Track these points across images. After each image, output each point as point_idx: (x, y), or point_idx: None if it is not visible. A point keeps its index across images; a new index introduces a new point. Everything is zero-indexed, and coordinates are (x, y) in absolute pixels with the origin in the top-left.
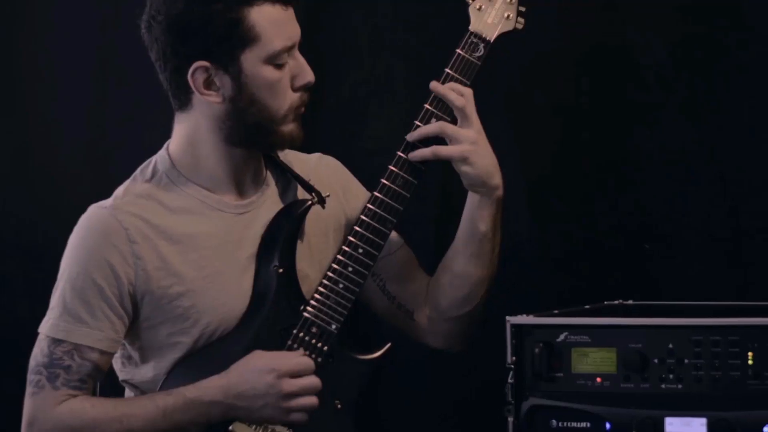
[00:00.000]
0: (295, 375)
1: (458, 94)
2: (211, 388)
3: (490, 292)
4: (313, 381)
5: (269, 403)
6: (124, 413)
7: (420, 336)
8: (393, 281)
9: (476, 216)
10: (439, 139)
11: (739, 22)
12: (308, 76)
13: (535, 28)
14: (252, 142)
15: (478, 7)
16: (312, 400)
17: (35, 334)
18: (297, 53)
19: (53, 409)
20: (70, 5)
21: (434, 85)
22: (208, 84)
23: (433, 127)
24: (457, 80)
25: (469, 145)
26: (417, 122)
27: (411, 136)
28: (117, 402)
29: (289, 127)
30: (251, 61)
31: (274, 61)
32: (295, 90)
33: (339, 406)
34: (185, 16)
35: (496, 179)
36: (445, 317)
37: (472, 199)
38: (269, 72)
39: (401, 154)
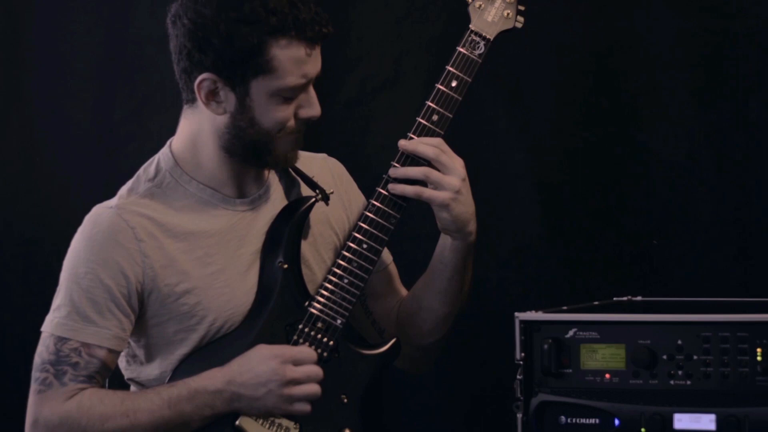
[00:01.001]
0: (298, 363)
1: (428, 145)
2: (215, 377)
3: (455, 324)
4: (315, 369)
5: (272, 389)
6: (130, 407)
7: None
8: (373, 297)
9: (446, 257)
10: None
11: (749, 17)
12: (314, 110)
13: (544, 25)
14: (247, 158)
15: (478, 5)
16: (315, 388)
17: (33, 333)
18: (310, 87)
19: (61, 405)
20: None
21: (402, 143)
22: (213, 94)
23: (418, 171)
24: (458, 77)
25: (452, 194)
26: (411, 134)
27: (394, 173)
28: (124, 396)
29: (285, 150)
30: (260, 89)
31: (283, 94)
32: (297, 119)
33: (345, 400)
34: (208, 29)
35: (471, 226)
36: (410, 343)
37: (443, 239)
38: (275, 103)
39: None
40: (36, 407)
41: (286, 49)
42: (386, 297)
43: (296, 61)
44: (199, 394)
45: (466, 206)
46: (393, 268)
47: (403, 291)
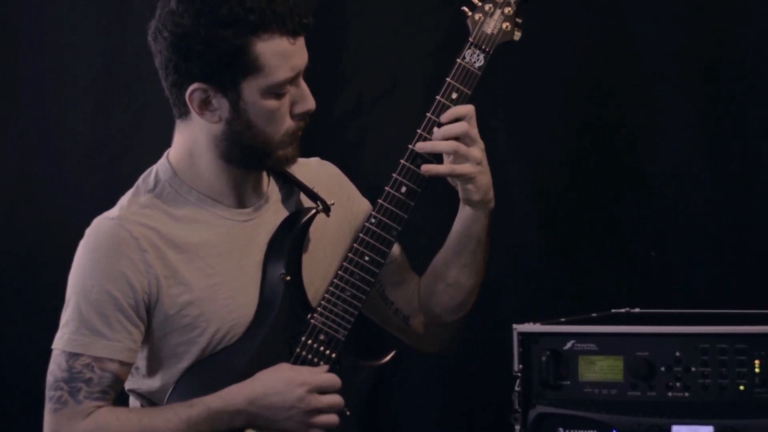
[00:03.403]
0: (323, 391)
1: (463, 120)
2: (236, 398)
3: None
4: (338, 399)
5: (293, 416)
6: (147, 426)
7: (414, 341)
8: (391, 287)
9: (470, 228)
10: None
11: (749, 27)
12: (308, 104)
13: (542, 35)
14: (247, 163)
15: (477, 18)
16: (334, 419)
17: (32, 346)
18: (300, 80)
19: (78, 424)
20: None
21: (444, 115)
22: (206, 104)
23: (446, 145)
24: (458, 90)
25: (477, 165)
26: (420, 131)
27: (422, 148)
28: (141, 414)
29: (285, 151)
30: (251, 89)
31: (275, 91)
32: (293, 117)
33: (348, 413)
34: (190, 37)
35: (491, 194)
36: (439, 323)
37: (464, 212)
38: (268, 101)
39: (405, 163)
40: (53, 426)
41: (269, 44)
42: (404, 284)
43: (281, 55)
44: (220, 415)
45: (487, 176)
46: (404, 257)
47: (416, 276)
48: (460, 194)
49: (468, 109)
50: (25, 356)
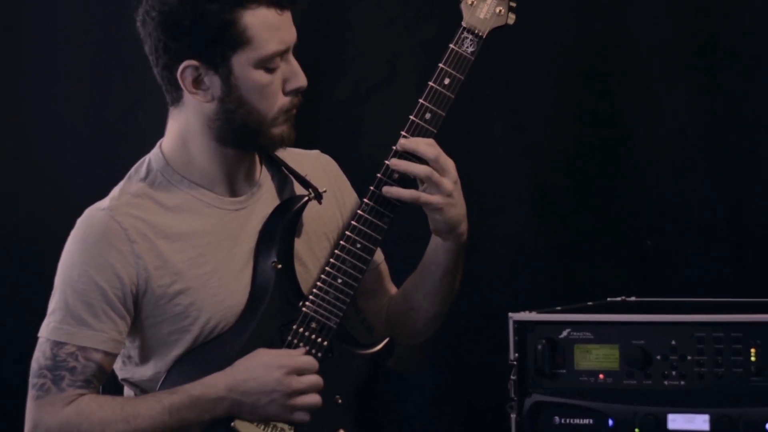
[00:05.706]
0: (301, 372)
1: (428, 145)
2: (216, 384)
3: (442, 324)
4: (317, 379)
5: (275, 399)
6: (130, 413)
7: None
8: (363, 296)
9: (438, 257)
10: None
11: (744, 18)
12: (300, 80)
13: (538, 26)
14: (241, 143)
15: (470, 2)
16: (316, 399)
17: (27, 335)
18: (290, 57)
19: (60, 411)
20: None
21: (402, 141)
22: (197, 83)
23: (420, 169)
24: (451, 75)
25: (446, 197)
26: (403, 133)
27: (396, 165)
28: (124, 402)
29: (280, 129)
30: (242, 63)
31: (265, 64)
32: (286, 93)
33: (339, 400)
34: (177, 15)
35: (462, 227)
36: (400, 342)
37: (435, 241)
38: (259, 75)
39: (388, 163)
40: (35, 413)
41: (257, 16)
42: (377, 296)
43: (270, 26)
44: (201, 402)
45: (458, 208)
46: (384, 267)
47: (393, 289)
48: (429, 223)
49: (428, 141)
50: (19, 346)
